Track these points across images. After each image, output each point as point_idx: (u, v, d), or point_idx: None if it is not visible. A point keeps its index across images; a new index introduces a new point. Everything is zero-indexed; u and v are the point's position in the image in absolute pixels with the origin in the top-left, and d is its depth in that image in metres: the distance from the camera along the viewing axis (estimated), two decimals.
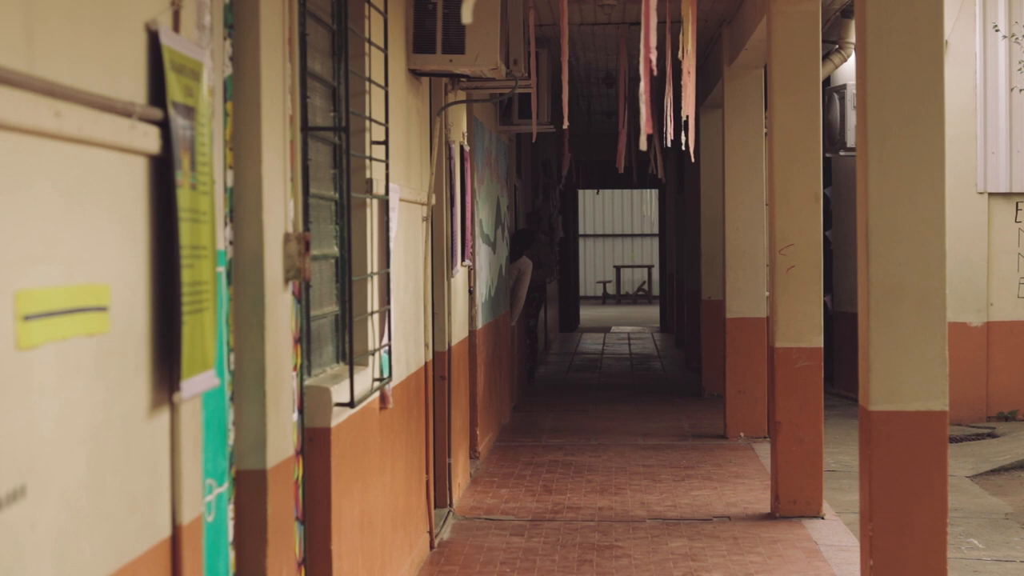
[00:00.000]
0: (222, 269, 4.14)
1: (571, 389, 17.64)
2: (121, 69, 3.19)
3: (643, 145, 6.88)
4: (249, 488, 4.40)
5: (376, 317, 6.48)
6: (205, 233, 3.63)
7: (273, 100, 4.62)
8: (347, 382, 5.48)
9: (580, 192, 34.31)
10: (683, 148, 8.24)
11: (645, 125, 6.82)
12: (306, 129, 5.17)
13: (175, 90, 3.43)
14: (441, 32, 7.60)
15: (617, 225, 43.41)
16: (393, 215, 6.75)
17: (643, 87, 6.97)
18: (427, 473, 8.23)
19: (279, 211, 4.67)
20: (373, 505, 6.32)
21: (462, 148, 9.87)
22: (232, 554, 4.28)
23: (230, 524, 4.26)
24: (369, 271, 6.36)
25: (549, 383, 18.32)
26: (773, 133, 9.50)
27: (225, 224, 4.28)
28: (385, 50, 6.56)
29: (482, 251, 11.70)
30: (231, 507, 4.28)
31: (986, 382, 14.40)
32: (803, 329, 9.38)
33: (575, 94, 18.33)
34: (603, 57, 15.36)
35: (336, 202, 5.96)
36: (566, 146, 14.42)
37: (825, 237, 12.14)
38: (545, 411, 15.21)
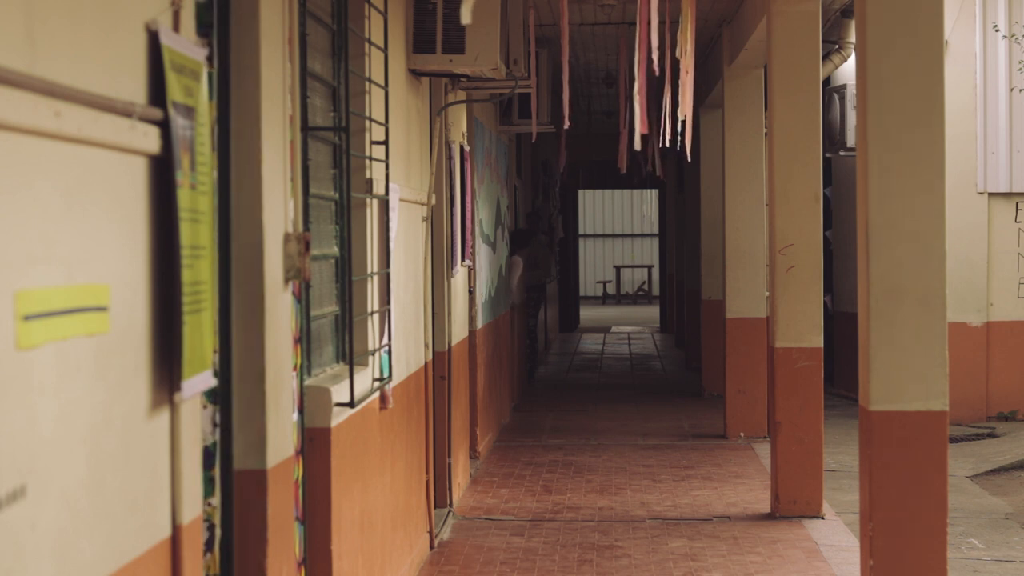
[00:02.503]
0: None
1: (571, 389, 17.64)
2: (121, 69, 3.19)
3: (637, 145, 6.88)
4: (249, 488, 4.40)
5: (376, 317, 6.48)
6: (204, 233, 3.63)
7: (273, 100, 4.62)
8: (347, 382, 5.48)
9: (580, 192, 34.31)
10: (678, 148, 8.24)
11: (640, 125, 6.82)
12: (306, 129, 5.17)
13: (175, 90, 3.43)
14: (441, 32, 7.59)
15: (617, 225, 43.41)
16: (393, 215, 6.75)
17: (637, 87, 6.96)
18: (427, 473, 8.23)
19: (279, 211, 4.67)
20: (373, 505, 6.32)
21: (462, 148, 9.87)
22: (207, 555, 4.25)
23: (203, 525, 4.22)
24: (369, 271, 6.36)
25: (549, 383, 18.32)
26: (773, 133, 9.50)
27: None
28: (385, 50, 6.56)
29: (482, 251, 11.70)
30: (204, 507, 4.24)
31: (986, 382, 14.40)
32: (803, 329, 9.38)
33: (575, 94, 18.33)
34: (603, 57, 15.36)
35: (336, 202, 5.96)
36: (562, 145, 14.42)
37: (825, 237, 12.15)
38: (545, 411, 15.21)
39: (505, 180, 14.22)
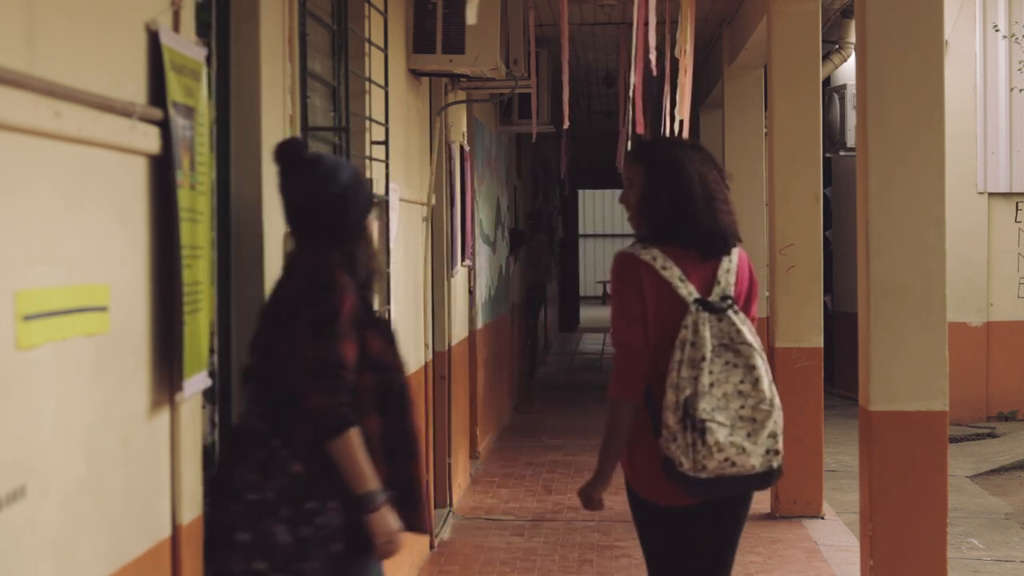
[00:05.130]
0: None
1: (571, 389, 17.63)
2: (121, 69, 3.19)
3: (629, 145, 6.89)
4: None
5: None
6: (202, 233, 3.63)
7: (273, 100, 4.61)
8: None
9: (580, 192, 34.28)
10: None
11: (637, 124, 6.83)
12: (306, 129, 5.17)
13: (175, 90, 3.43)
14: (441, 32, 7.59)
15: (617, 225, 43.37)
16: (393, 215, 6.75)
17: (633, 85, 6.97)
18: (427, 473, 8.23)
19: (279, 211, 4.66)
20: None
21: (462, 148, 9.87)
22: None
23: None
24: None
25: (549, 383, 18.31)
26: (773, 133, 9.50)
27: None
28: (385, 50, 6.56)
29: (482, 251, 11.70)
30: None
31: (986, 382, 14.40)
32: (803, 329, 9.38)
33: (575, 94, 18.33)
34: (603, 57, 15.35)
35: None
36: (563, 148, 14.40)
37: (825, 237, 12.15)
38: (545, 411, 15.20)
39: (505, 180, 14.22)
